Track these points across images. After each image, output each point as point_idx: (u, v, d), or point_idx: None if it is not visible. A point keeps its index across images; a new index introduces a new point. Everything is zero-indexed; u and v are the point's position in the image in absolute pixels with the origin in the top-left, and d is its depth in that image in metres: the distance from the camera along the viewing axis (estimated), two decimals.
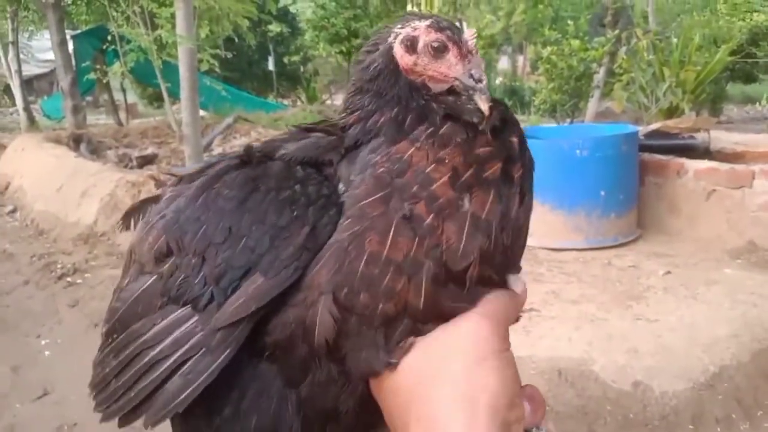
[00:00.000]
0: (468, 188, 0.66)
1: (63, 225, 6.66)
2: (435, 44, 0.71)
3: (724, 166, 5.03)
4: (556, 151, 5.10)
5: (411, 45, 0.71)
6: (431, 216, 0.65)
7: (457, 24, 0.72)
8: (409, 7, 12.08)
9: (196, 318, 0.70)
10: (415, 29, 0.72)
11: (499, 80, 20.85)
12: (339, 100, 19.56)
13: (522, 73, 23.75)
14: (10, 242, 6.68)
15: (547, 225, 5.07)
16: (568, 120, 9.25)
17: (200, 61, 7.85)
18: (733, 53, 9.70)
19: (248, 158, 0.75)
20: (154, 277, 0.75)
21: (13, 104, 14.94)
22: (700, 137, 5.80)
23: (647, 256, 4.84)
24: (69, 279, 5.26)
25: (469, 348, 0.64)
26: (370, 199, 0.66)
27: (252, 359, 0.71)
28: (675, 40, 8.90)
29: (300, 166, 0.72)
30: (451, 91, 0.73)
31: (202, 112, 9.03)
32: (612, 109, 11.29)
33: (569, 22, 11.48)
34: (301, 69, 19.48)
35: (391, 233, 0.65)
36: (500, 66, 23.92)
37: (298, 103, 17.51)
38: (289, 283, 0.67)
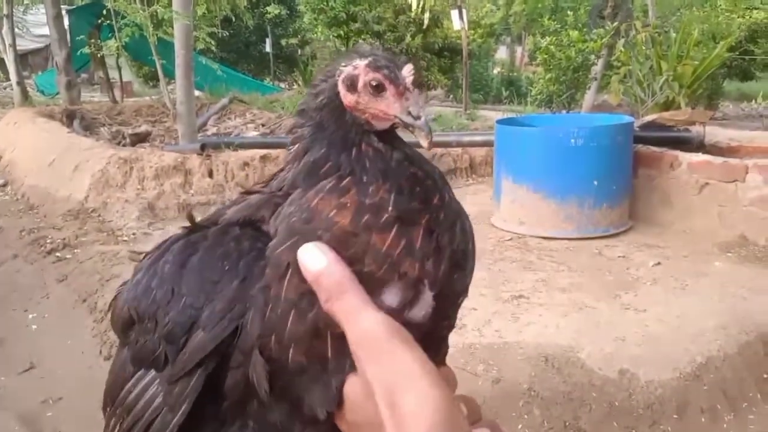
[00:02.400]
0: (369, 228, 0.68)
1: (53, 200, 6.61)
2: (373, 83, 0.72)
3: (718, 160, 5.03)
4: (551, 139, 5.09)
5: (351, 84, 0.73)
6: None
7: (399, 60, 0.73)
8: None
9: (158, 380, 0.77)
10: (356, 68, 0.73)
11: (496, 71, 20.82)
12: None
13: (520, 63, 23.70)
14: (0, 216, 6.63)
15: (538, 213, 5.08)
16: (564, 111, 9.25)
17: (196, 39, 7.76)
18: (731, 49, 9.69)
19: (193, 227, 0.81)
20: (126, 347, 0.83)
21: (7, 79, 14.77)
22: (695, 130, 5.79)
23: (638, 247, 4.85)
24: (58, 254, 5.22)
25: (391, 366, 0.63)
26: (282, 248, 0.69)
27: (222, 413, 0.76)
28: (674, 34, 8.85)
29: (238, 226, 0.76)
30: (394, 127, 0.74)
31: (197, 92, 8.96)
32: (608, 101, 11.28)
33: (569, 12, 11.44)
34: (299, 52, 19.36)
35: (288, 274, 0.68)
36: (498, 56, 23.87)
37: (295, 86, 17.39)
38: (225, 335, 0.70)
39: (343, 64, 0.75)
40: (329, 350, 0.67)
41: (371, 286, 0.67)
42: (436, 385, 0.62)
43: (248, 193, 0.82)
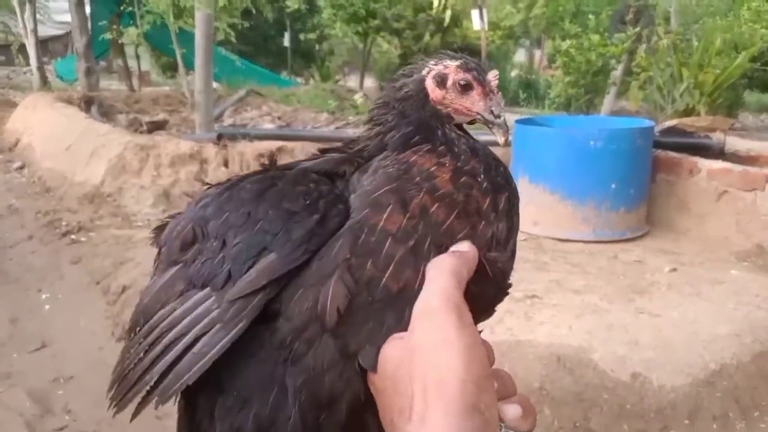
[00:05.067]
0: (468, 187, 0.76)
1: (70, 183, 6.68)
2: (462, 82, 0.81)
3: (738, 168, 4.99)
4: (570, 140, 5.06)
5: (441, 81, 0.82)
6: (426, 199, 0.74)
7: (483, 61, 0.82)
8: None
9: (213, 297, 0.75)
10: (446, 67, 0.82)
11: (514, 73, 20.76)
12: (352, 80, 19.48)
13: (538, 67, 23.61)
14: (17, 197, 6.71)
15: (555, 214, 5.05)
16: (583, 115, 9.21)
17: (216, 29, 7.80)
18: (753, 60, 9.59)
19: (270, 166, 0.86)
20: (179, 266, 0.81)
21: (27, 64, 14.93)
22: (716, 137, 5.74)
23: (654, 252, 4.82)
24: (73, 236, 5.27)
25: (431, 334, 0.65)
26: (382, 190, 0.75)
27: (257, 350, 0.75)
28: (696, 42, 8.80)
29: (315, 173, 0.81)
30: (472, 122, 0.84)
31: (214, 84, 9.01)
32: (627, 107, 11.22)
33: (590, 16, 11.37)
34: (317, 47, 19.40)
35: (388, 210, 0.73)
36: (516, 59, 23.81)
37: (311, 80, 17.44)
38: (299, 263, 0.72)
39: (432, 62, 0.83)
40: (417, 282, 0.71)
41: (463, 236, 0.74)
42: (473, 361, 0.62)
43: (326, 151, 0.87)
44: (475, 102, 0.82)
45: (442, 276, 0.69)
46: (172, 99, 10.84)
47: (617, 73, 9.92)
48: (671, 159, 5.43)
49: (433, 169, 0.76)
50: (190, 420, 0.81)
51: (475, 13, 11.37)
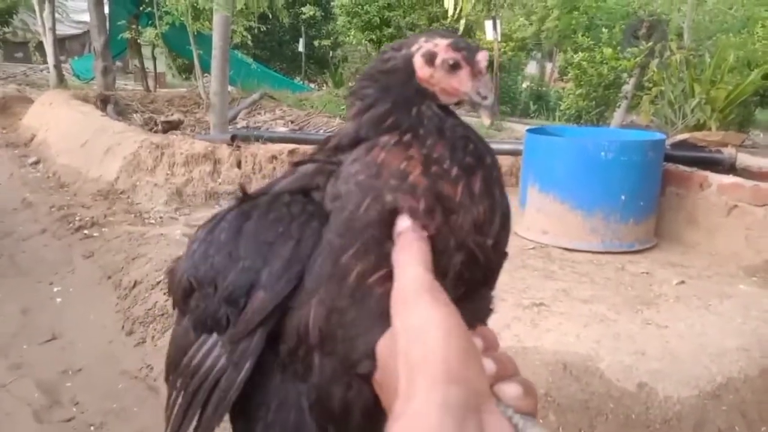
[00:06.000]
0: (439, 177, 0.75)
1: (84, 179, 6.74)
2: (451, 62, 0.78)
3: (749, 183, 4.97)
4: (580, 150, 5.06)
5: (430, 59, 0.78)
6: (411, 202, 0.73)
7: (490, 26, 0.80)
8: (446, 1, 12.01)
9: (220, 342, 0.81)
10: (436, 45, 0.79)
11: (525, 85, 20.77)
12: None
13: (549, 79, 23.60)
14: (31, 191, 6.76)
15: (563, 224, 5.05)
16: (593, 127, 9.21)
17: (233, 32, 7.87)
18: (765, 77, 9.57)
19: (244, 197, 0.86)
20: (187, 316, 0.86)
21: (44, 61, 15.07)
22: (727, 152, 5.74)
23: (662, 264, 4.81)
24: (86, 231, 5.31)
25: (409, 319, 0.65)
26: (354, 203, 0.74)
27: (272, 376, 0.80)
28: (708, 58, 8.79)
29: (288, 194, 0.81)
30: (458, 103, 0.82)
31: (229, 86, 9.08)
32: (637, 122, 11.20)
33: (603, 30, 11.40)
34: (331, 54, 19.49)
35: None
36: (528, 71, 23.80)
37: (325, 87, 17.51)
38: (285, 293, 0.75)
39: (423, 39, 0.80)
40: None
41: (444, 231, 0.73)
42: (451, 335, 0.62)
43: (299, 163, 0.86)
44: (462, 82, 0.79)
45: (411, 264, 0.70)
46: (186, 100, 10.92)
47: (628, 86, 9.93)
48: (681, 173, 5.42)
49: (403, 166, 0.74)
50: None
51: (488, 24, 11.38)
